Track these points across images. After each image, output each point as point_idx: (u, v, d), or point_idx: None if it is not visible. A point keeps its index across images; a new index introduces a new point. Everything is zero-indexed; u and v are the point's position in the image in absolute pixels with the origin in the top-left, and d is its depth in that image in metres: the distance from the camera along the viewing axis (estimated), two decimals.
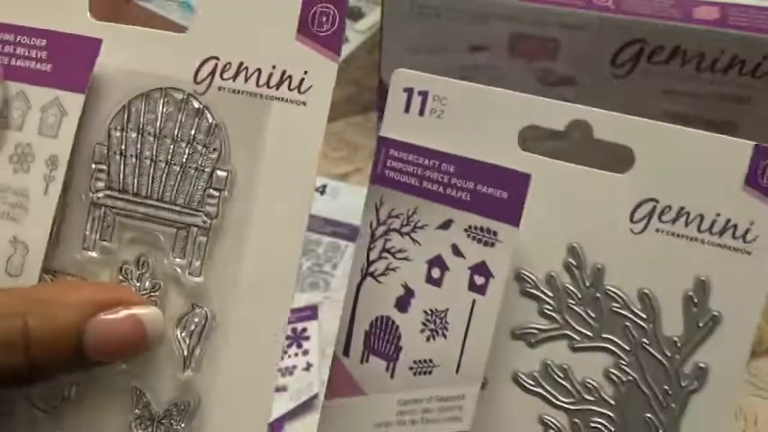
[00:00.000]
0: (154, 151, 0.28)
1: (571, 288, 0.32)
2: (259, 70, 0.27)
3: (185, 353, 0.27)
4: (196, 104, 0.27)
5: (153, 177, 0.28)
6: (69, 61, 0.29)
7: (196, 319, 0.27)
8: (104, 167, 0.29)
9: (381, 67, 0.70)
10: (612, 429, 0.32)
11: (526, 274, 0.33)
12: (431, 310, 0.33)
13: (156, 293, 0.28)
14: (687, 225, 0.31)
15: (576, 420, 0.32)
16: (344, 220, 0.71)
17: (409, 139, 0.33)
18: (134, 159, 0.28)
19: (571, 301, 0.32)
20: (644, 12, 0.54)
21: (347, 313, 0.35)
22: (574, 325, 0.32)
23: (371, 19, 0.81)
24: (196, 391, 0.27)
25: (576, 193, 0.32)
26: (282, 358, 0.57)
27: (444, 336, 0.33)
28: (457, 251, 0.32)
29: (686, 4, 0.49)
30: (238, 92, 0.28)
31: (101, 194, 0.29)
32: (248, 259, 0.27)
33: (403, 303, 0.34)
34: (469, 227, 0.32)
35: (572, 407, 0.32)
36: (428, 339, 0.33)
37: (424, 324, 0.33)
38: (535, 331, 0.33)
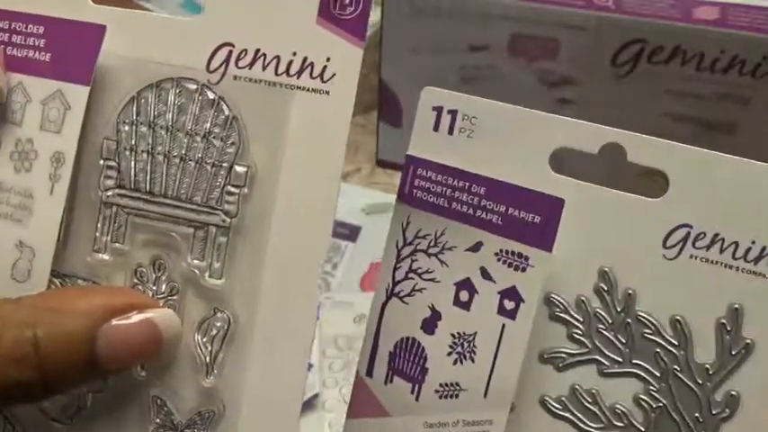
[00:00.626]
0: (167, 146, 0.26)
1: (601, 313, 0.32)
2: (278, 57, 0.25)
3: (207, 359, 0.26)
4: (210, 95, 0.26)
5: (167, 174, 0.26)
6: (71, 50, 0.27)
7: (218, 324, 0.26)
8: (114, 164, 0.27)
9: (381, 67, 0.70)
10: None
11: (556, 297, 0.32)
12: (458, 334, 0.33)
13: (174, 297, 0.26)
14: (722, 252, 0.30)
15: None
16: (344, 220, 0.70)
17: (438, 158, 0.33)
18: (146, 155, 0.26)
19: (601, 326, 0.32)
20: (644, 12, 0.54)
21: (371, 333, 0.35)
22: (603, 350, 0.32)
23: (371, 19, 0.80)
24: (220, 398, 0.26)
25: (608, 217, 0.31)
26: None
27: (472, 359, 0.32)
28: (486, 275, 0.32)
29: (686, 4, 0.49)
30: (256, 81, 0.26)
31: (111, 193, 0.27)
32: (271, 259, 0.26)
33: (429, 325, 0.33)
34: (500, 251, 0.32)
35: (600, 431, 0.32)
36: (455, 362, 0.33)
37: (451, 347, 0.33)
38: (564, 355, 0.32)
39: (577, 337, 0.32)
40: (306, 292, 0.27)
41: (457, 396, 0.33)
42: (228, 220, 0.26)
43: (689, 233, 0.31)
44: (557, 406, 0.33)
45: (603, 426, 0.32)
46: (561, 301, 0.32)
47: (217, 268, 0.26)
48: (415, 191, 0.34)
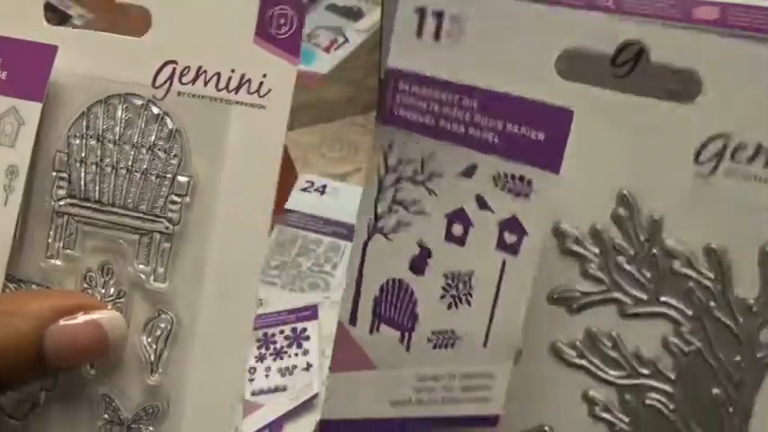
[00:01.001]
0: (114, 158, 0.28)
1: (621, 243, 0.27)
2: (218, 74, 0.27)
3: (152, 358, 0.28)
4: (155, 110, 0.28)
5: (114, 184, 0.28)
6: (24, 69, 0.29)
7: (162, 325, 0.28)
8: (65, 175, 0.29)
9: (381, 67, 0.65)
10: (672, 407, 0.27)
11: (566, 228, 0.27)
12: (452, 273, 0.28)
13: (122, 300, 0.28)
14: (766, 165, 0.25)
15: (628, 397, 0.28)
16: (344, 220, 0.69)
17: (423, 70, 0.28)
18: (95, 167, 0.28)
19: (622, 259, 0.27)
20: (644, 11, 0.49)
21: (353, 276, 0.30)
22: (625, 287, 0.27)
23: (371, 19, 0.82)
24: (164, 395, 0.27)
25: (627, 129, 0.26)
26: (282, 357, 0.58)
27: (469, 303, 0.27)
28: (483, 203, 0.27)
29: (686, 4, 0.44)
30: (198, 96, 0.28)
31: (63, 203, 0.29)
32: (212, 264, 0.27)
33: (418, 264, 0.29)
34: (498, 174, 0.26)
35: (623, 381, 0.28)
36: (449, 306, 0.28)
37: (444, 289, 0.28)
38: (577, 295, 0.28)
39: (593, 273, 0.27)
40: (244, 296, 0.28)
41: (452, 345, 0.28)
42: (171, 227, 0.28)
43: (726, 145, 0.25)
44: (570, 353, 0.28)
45: (626, 374, 0.27)
46: (573, 231, 0.27)
47: (161, 273, 0.28)
48: (397, 109, 0.28)
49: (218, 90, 0.27)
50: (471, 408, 0.27)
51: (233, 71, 0.27)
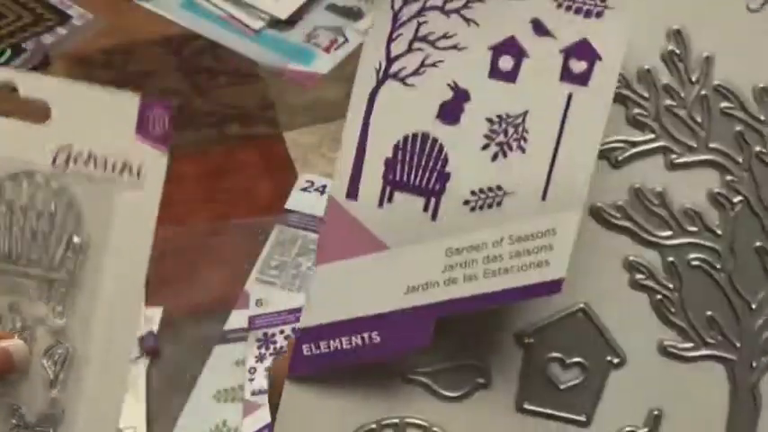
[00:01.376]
0: (21, 222, 0.34)
1: (672, 86, 0.25)
2: (105, 159, 0.34)
3: (51, 377, 0.34)
4: (55, 185, 0.34)
5: (22, 242, 0.34)
6: None
7: (60, 351, 0.34)
8: None
9: None
10: (718, 266, 0.25)
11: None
12: (498, 117, 0.23)
13: (26, 332, 0.34)
14: None
15: (672, 259, 0.25)
16: None
17: None
18: (5, 229, 0.34)
19: (671, 103, 0.25)
20: None
21: (352, 139, 0.24)
22: (674, 134, 0.25)
23: (372, 19, 0.76)
24: (62, 406, 0.34)
25: None
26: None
27: (522, 149, 0.23)
28: (541, 29, 0.23)
29: None
30: (89, 176, 0.34)
31: None
32: (101, 304, 0.34)
33: (451, 111, 0.24)
34: None
35: (668, 242, 0.25)
36: (495, 157, 0.23)
37: (487, 137, 0.23)
38: (622, 145, 0.25)
39: (641, 119, 0.25)
40: (127, 327, 0.35)
41: (499, 204, 0.23)
42: (68, 276, 0.34)
43: None
44: (613, 213, 0.25)
45: (672, 233, 0.25)
46: (623, 73, 0.24)
47: (59, 311, 0.34)
48: None
49: (106, 171, 0.34)
50: (527, 276, 0.23)
51: (117, 157, 0.34)
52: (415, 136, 0.24)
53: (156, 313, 0.63)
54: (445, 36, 0.24)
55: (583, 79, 0.23)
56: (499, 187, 0.23)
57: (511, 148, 0.23)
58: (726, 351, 0.25)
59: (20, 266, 0.35)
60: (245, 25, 0.84)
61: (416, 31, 0.24)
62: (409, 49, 0.24)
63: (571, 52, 0.23)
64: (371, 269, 0.24)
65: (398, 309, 0.24)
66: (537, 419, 0.25)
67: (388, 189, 0.24)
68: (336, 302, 0.24)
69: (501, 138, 0.23)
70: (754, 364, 0.25)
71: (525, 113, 0.23)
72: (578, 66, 0.23)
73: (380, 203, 0.24)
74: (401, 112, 0.24)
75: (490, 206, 0.23)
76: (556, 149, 0.23)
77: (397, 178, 0.24)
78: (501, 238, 0.23)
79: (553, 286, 0.23)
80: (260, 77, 0.80)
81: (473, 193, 0.24)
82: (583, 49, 0.23)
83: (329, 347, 0.24)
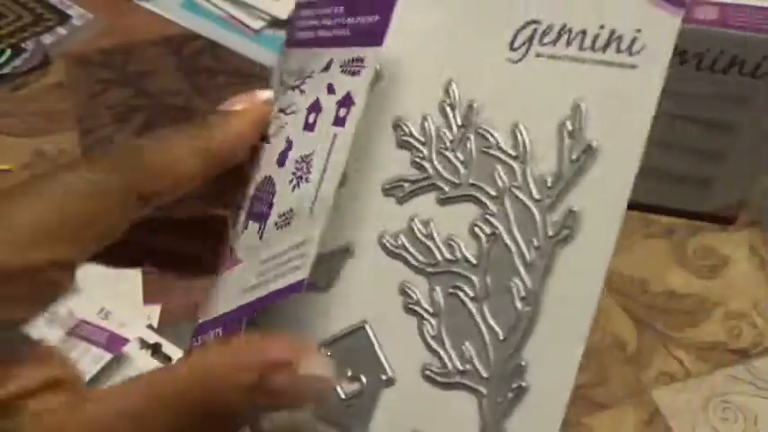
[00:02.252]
0: None
1: (443, 130, 0.28)
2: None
3: None
4: None
5: None
6: None
7: None
8: None
9: None
10: (472, 295, 0.26)
11: (403, 121, 0.29)
12: (301, 157, 0.30)
13: None
14: (569, 44, 0.26)
15: (436, 287, 0.27)
16: None
17: None
18: None
19: (442, 146, 0.28)
20: None
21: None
22: (443, 173, 0.28)
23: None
24: None
25: (453, 16, 0.28)
26: None
27: (307, 180, 0.29)
28: (331, 89, 0.30)
29: None
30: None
31: None
32: None
33: (281, 158, 0.31)
34: (345, 62, 0.29)
35: (432, 269, 0.27)
36: (294, 188, 0.30)
37: (293, 173, 0.30)
38: (404, 184, 0.28)
39: (419, 161, 0.28)
40: None
41: (289, 223, 0.29)
42: None
43: (536, 30, 0.27)
44: (393, 243, 0.28)
45: (436, 261, 0.27)
46: (408, 123, 0.29)
47: None
48: (293, 34, 0.33)
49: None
50: (285, 280, 0.28)
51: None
52: (264, 178, 0.32)
53: (154, 311, 0.65)
54: (289, 105, 0.32)
55: (343, 122, 0.28)
56: (291, 210, 0.29)
57: (302, 180, 0.29)
58: (475, 382, 0.26)
59: None
60: (245, 25, 0.82)
61: (279, 106, 0.32)
62: (273, 118, 0.32)
63: (341, 103, 0.29)
64: (229, 278, 0.32)
65: (236, 306, 0.31)
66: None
67: (246, 219, 0.32)
68: (214, 304, 0.32)
69: (300, 173, 0.30)
70: (500, 399, 0.25)
71: (312, 153, 0.29)
72: (342, 112, 0.29)
73: (242, 231, 0.32)
74: (263, 163, 0.32)
75: (286, 225, 0.30)
76: (322, 176, 0.28)
77: (252, 210, 0.32)
78: (287, 248, 0.29)
79: (296, 287, 0.28)
80: (260, 77, 0.77)
81: (279, 216, 0.30)
82: (346, 100, 0.29)
83: (198, 342, 0.32)
